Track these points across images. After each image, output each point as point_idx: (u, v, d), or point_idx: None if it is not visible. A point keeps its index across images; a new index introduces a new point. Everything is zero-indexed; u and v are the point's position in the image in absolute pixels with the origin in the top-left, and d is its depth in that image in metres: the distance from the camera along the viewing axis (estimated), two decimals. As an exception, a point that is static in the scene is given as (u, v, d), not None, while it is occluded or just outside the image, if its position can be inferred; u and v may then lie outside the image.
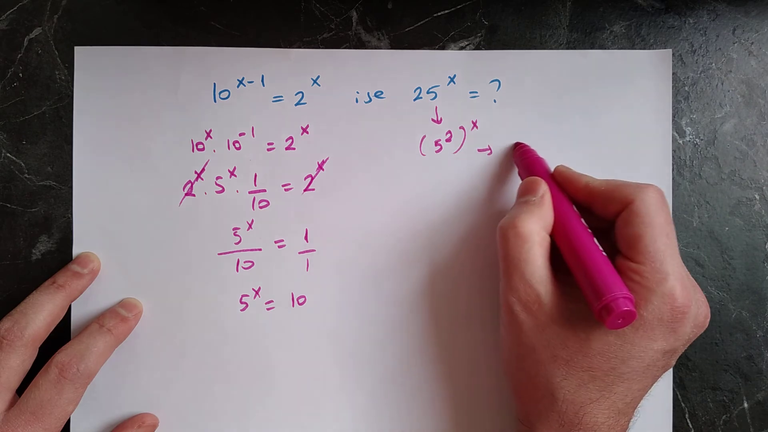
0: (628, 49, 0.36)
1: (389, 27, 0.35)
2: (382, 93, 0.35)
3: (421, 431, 0.35)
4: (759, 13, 0.36)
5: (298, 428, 0.35)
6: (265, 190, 0.35)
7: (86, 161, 0.35)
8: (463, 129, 0.35)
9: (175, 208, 0.35)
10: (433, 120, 0.35)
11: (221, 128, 0.35)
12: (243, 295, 0.35)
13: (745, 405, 0.36)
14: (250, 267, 0.35)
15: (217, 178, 0.35)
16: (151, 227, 0.35)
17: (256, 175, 0.35)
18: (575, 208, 0.31)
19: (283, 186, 0.35)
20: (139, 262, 0.35)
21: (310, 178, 0.35)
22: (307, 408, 0.35)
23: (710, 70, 0.36)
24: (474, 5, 0.36)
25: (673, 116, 0.36)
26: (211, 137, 0.35)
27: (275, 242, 0.35)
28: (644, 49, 0.36)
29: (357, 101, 0.35)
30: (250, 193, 0.35)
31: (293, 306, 0.35)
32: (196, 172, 0.35)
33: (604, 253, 0.29)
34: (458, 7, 0.36)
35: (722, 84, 0.36)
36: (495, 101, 0.35)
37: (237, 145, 0.35)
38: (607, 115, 0.35)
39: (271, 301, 0.35)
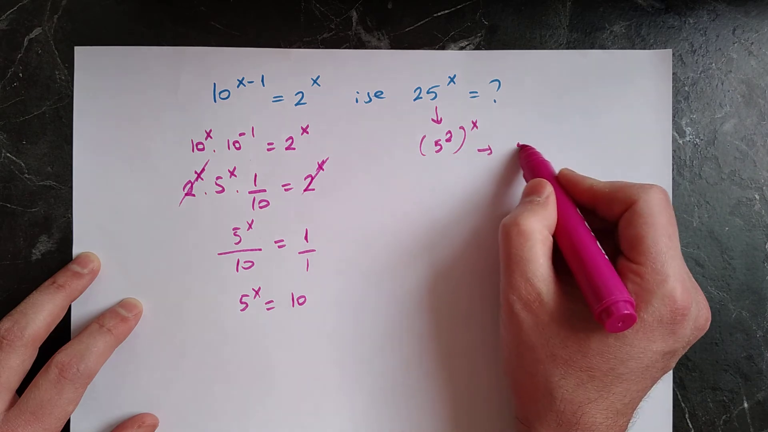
0: (628, 49, 0.36)
1: (389, 27, 0.35)
2: (382, 93, 0.35)
3: (421, 431, 0.35)
4: (759, 13, 0.36)
5: (297, 428, 0.35)
6: (265, 190, 0.35)
7: (86, 161, 0.35)
8: (463, 129, 0.35)
9: (175, 208, 0.35)
10: (433, 120, 0.35)
11: (221, 128, 0.35)
12: (243, 295, 0.35)
13: (745, 405, 0.36)
14: (250, 267, 0.35)
15: (217, 178, 0.35)
16: (151, 227, 0.35)
17: (256, 175, 0.35)
18: (579, 211, 0.31)
19: (283, 186, 0.35)
20: (139, 262, 0.35)
21: (310, 178, 0.35)
22: (307, 408, 0.35)
23: (710, 70, 0.36)
24: (474, 5, 0.36)
25: (673, 116, 0.36)
26: (211, 137, 0.35)
27: (275, 242, 0.35)
28: (644, 49, 0.36)
29: (357, 101, 0.35)
30: (250, 193, 0.35)
31: (293, 306, 0.35)
32: (196, 172, 0.35)
33: (605, 256, 0.29)
34: (458, 7, 0.36)
35: (722, 84, 0.36)
36: (495, 101, 0.35)
37: (237, 145, 0.35)
38: (607, 115, 0.35)
39: (271, 301, 0.35)
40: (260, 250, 0.35)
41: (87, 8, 0.35)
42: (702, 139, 0.36)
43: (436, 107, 0.35)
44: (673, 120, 0.36)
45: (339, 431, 0.35)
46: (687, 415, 0.36)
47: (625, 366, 0.28)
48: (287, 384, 0.35)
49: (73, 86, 0.35)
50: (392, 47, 0.35)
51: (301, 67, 0.35)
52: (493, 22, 0.36)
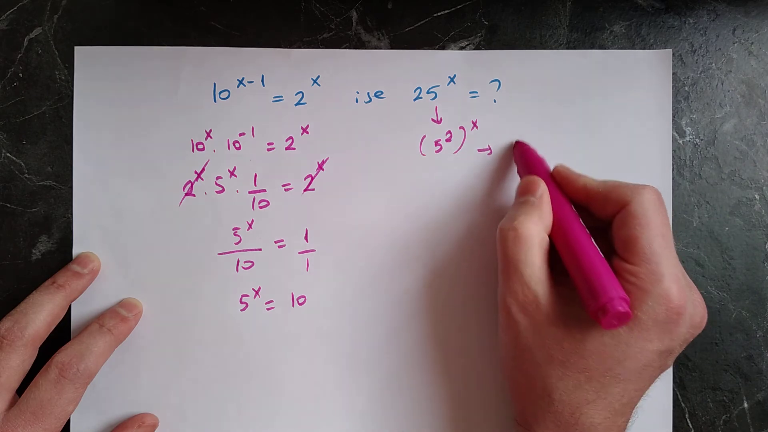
0: (628, 49, 0.36)
1: (389, 27, 0.35)
2: (382, 93, 0.35)
3: (420, 431, 0.35)
4: (759, 13, 0.36)
5: (297, 428, 0.35)
6: (265, 190, 0.35)
7: (86, 161, 0.35)
8: (463, 129, 0.35)
9: (175, 208, 0.35)
10: (433, 120, 0.35)
11: (221, 128, 0.35)
12: (243, 295, 0.35)
13: (745, 405, 0.36)
14: (250, 267, 0.35)
15: (217, 178, 0.35)
16: (151, 227, 0.35)
17: (256, 175, 0.35)
18: (573, 208, 0.31)
19: (283, 186, 0.35)
20: (139, 262, 0.35)
21: (310, 178, 0.35)
22: (307, 407, 0.35)
23: (710, 70, 0.36)
24: (474, 5, 0.36)
25: (673, 116, 0.36)
26: (211, 137, 0.35)
27: (275, 242, 0.35)
28: (644, 49, 0.36)
29: (357, 101, 0.35)
30: (250, 193, 0.35)
31: (293, 306, 0.35)
32: (196, 172, 0.35)
33: (601, 254, 0.29)
34: (458, 7, 0.36)
35: (722, 84, 0.36)
36: (495, 101, 0.35)
37: (237, 145, 0.35)
38: (607, 115, 0.35)
39: (271, 301, 0.35)
40: (260, 250, 0.35)
41: (87, 8, 0.35)
42: (702, 139, 0.36)
43: (436, 107, 0.35)
44: (673, 120, 0.36)
45: (339, 431, 0.35)
46: (687, 415, 0.36)
47: (622, 366, 0.28)
48: (287, 384, 0.35)
49: (73, 86, 0.35)
50: (392, 47, 0.35)
51: (301, 67, 0.35)
52: (493, 22, 0.36)
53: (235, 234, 0.35)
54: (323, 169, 0.35)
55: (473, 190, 0.35)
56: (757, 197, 0.36)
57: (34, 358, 0.32)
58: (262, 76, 0.35)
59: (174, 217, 0.35)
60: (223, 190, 0.35)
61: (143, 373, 0.35)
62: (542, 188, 0.31)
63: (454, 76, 0.35)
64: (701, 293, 0.30)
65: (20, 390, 0.32)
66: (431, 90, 0.35)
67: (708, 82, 0.36)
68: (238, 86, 0.35)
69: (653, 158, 0.35)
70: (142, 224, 0.35)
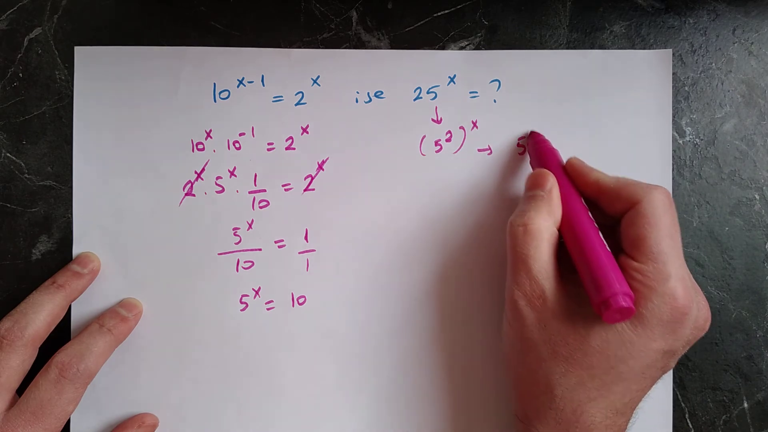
0: (628, 49, 0.36)
1: (389, 27, 0.35)
2: (382, 93, 0.35)
3: (421, 430, 0.35)
4: (759, 13, 0.36)
5: (297, 427, 0.35)
6: (265, 190, 0.35)
7: (86, 161, 0.35)
8: (463, 129, 0.35)
9: (175, 208, 0.35)
10: (433, 120, 0.35)
11: (221, 128, 0.35)
12: (243, 295, 0.35)
13: (745, 405, 0.36)
14: (250, 267, 0.35)
15: (217, 178, 0.35)
16: (151, 227, 0.35)
17: (256, 175, 0.35)
18: (584, 202, 0.31)
19: (283, 186, 0.35)
20: (139, 262, 0.35)
21: (310, 178, 0.35)
22: (307, 407, 0.35)
23: (710, 70, 0.36)
24: (474, 5, 0.36)
25: (673, 116, 0.36)
26: (211, 137, 0.35)
27: (275, 242, 0.35)
28: (644, 49, 0.36)
29: (357, 101, 0.35)
30: (250, 193, 0.35)
31: (293, 306, 0.35)
32: (196, 172, 0.35)
33: (608, 249, 0.29)
34: (458, 7, 0.36)
35: (722, 84, 0.36)
36: (495, 101, 0.35)
37: (237, 145, 0.35)
38: (607, 115, 0.35)
39: (271, 301, 0.35)
40: (260, 250, 0.35)
41: (87, 8, 0.35)
42: (702, 139, 0.36)
43: (436, 107, 0.35)
44: (673, 120, 0.36)
45: (339, 431, 0.35)
46: (687, 415, 0.36)
47: (626, 365, 0.28)
48: (287, 384, 0.35)
49: (73, 86, 0.35)
50: (392, 47, 0.35)
51: (301, 67, 0.35)
52: (493, 22, 0.36)
53: (235, 234, 0.35)
54: (323, 169, 0.35)
55: (473, 190, 0.35)
56: (757, 197, 0.36)
57: (34, 358, 0.32)
58: (262, 76, 0.35)
59: (174, 217, 0.35)
60: (223, 190, 0.35)
61: (143, 373, 0.35)
62: (551, 182, 0.31)
63: (454, 76, 0.35)
64: (701, 293, 0.30)
65: (20, 390, 0.32)
66: (431, 90, 0.35)
67: (708, 82, 0.36)
68: (238, 86, 0.35)
69: (653, 158, 0.35)
70: (142, 224, 0.35)
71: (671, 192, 0.35)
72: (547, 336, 0.29)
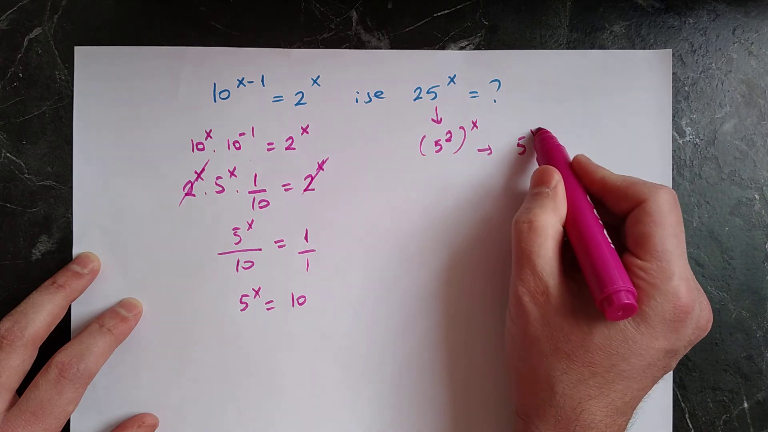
0: (628, 49, 0.36)
1: (389, 27, 0.35)
2: (382, 93, 0.35)
3: (420, 429, 0.35)
4: (759, 13, 0.36)
5: (297, 428, 0.35)
6: (265, 190, 0.35)
7: (86, 161, 0.35)
8: (463, 129, 0.35)
9: (175, 208, 0.35)
10: (433, 120, 0.35)
11: (221, 128, 0.35)
12: (243, 295, 0.35)
13: (745, 405, 0.36)
14: (250, 267, 0.35)
15: (217, 178, 0.35)
16: (151, 227, 0.35)
17: (256, 175, 0.35)
18: (589, 199, 0.31)
19: (283, 186, 0.35)
20: (139, 262, 0.35)
21: (310, 178, 0.35)
22: (307, 407, 0.35)
23: (710, 70, 0.36)
24: (474, 5, 0.36)
25: (673, 116, 0.36)
26: (211, 137, 0.35)
27: (275, 242, 0.35)
28: (644, 49, 0.36)
29: (357, 101, 0.35)
30: (250, 193, 0.35)
31: (293, 306, 0.35)
32: (196, 172, 0.35)
33: (612, 246, 0.29)
34: (458, 7, 0.36)
35: (722, 84, 0.36)
36: (495, 101, 0.35)
37: (237, 145, 0.35)
38: (607, 115, 0.35)
39: (271, 301, 0.35)
40: (260, 250, 0.35)
41: (87, 8, 0.35)
42: (702, 139, 0.36)
43: (436, 107, 0.35)
44: (673, 120, 0.36)
45: (339, 430, 0.35)
46: (687, 415, 0.36)
47: (627, 363, 0.28)
48: (287, 384, 0.35)
49: (73, 86, 0.35)
50: (392, 47, 0.35)
51: (301, 67, 0.35)
52: (493, 22, 0.36)
53: (235, 234, 0.35)
54: (323, 169, 0.35)
55: (473, 190, 0.35)
56: (757, 197, 0.36)
57: (34, 358, 0.32)
58: (262, 76, 0.35)
59: (174, 217, 0.35)
60: (223, 190, 0.35)
61: (143, 373, 0.35)
62: (557, 179, 0.31)
63: (454, 76, 0.35)
64: (701, 293, 0.30)
65: (20, 390, 0.32)
66: (431, 90, 0.35)
67: (708, 82, 0.36)
68: (238, 86, 0.35)
69: (653, 158, 0.35)
70: (142, 224, 0.35)
71: (671, 192, 0.36)
72: (549, 332, 0.29)
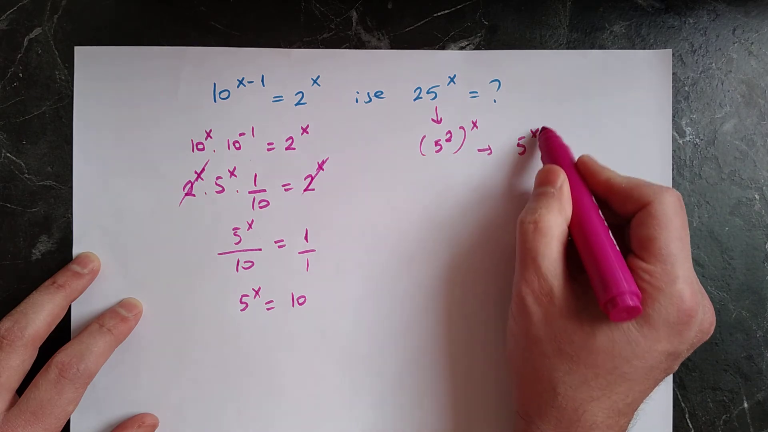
0: (628, 49, 0.36)
1: (389, 27, 0.35)
2: (382, 93, 0.35)
3: (421, 430, 0.35)
4: (759, 13, 0.36)
5: (297, 428, 0.35)
6: (265, 190, 0.35)
7: (86, 161, 0.35)
8: (463, 129, 0.35)
9: (175, 208, 0.35)
10: (433, 120, 0.35)
11: (221, 128, 0.35)
12: (243, 295, 0.35)
13: (745, 405, 0.36)
14: (250, 267, 0.35)
15: (217, 178, 0.35)
16: (151, 227, 0.35)
17: (256, 175, 0.35)
18: (594, 200, 0.31)
19: (283, 186, 0.35)
20: (139, 262, 0.35)
21: (310, 178, 0.35)
22: (307, 407, 0.35)
23: (710, 70, 0.36)
24: (474, 5, 0.36)
25: (673, 116, 0.36)
26: (211, 137, 0.35)
27: (275, 242, 0.35)
28: (644, 49, 0.36)
29: (357, 101, 0.35)
30: (250, 193, 0.35)
31: (293, 306, 0.35)
32: (196, 172, 0.35)
33: (617, 247, 0.29)
34: (458, 7, 0.36)
35: (722, 84, 0.36)
36: (495, 101, 0.35)
37: (237, 145, 0.35)
38: (607, 115, 0.35)
39: (271, 301, 0.35)
40: (260, 250, 0.35)
41: (87, 8, 0.35)
42: (702, 139, 0.36)
43: (436, 107, 0.35)
44: (673, 120, 0.36)
45: (339, 430, 0.35)
46: (687, 415, 0.36)
47: (630, 365, 0.28)
48: (287, 384, 0.35)
49: (73, 86, 0.35)
50: (392, 47, 0.35)
51: (301, 67, 0.35)
52: (493, 22, 0.36)
53: (235, 234, 0.35)
54: (323, 169, 0.35)
55: (473, 190, 0.35)
56: (757, 197, 0.36)
57: (34, 358, 0.32)
58: (262, 76, 0.35)
59: (174, 217, 0.35)
60: (223, 190, 0.35)
61: (143, 373, 0.35)
62: (562, 178, 0.31)
63: (454, 76, 0.35)
64: (701, 293, 0.30)
65: (20, 390, 0.32)
66: (431, 90, 0.35)
67: (708, 82, 0.36)
68: (238, 86, 0.35)
69: (653, 158, 0.35)
70: (142, 224, 0.35)
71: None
72: (552, 333, 0.29)
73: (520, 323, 0.30)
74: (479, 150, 0.35)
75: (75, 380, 0.31)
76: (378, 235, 0.35)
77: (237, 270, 0.35)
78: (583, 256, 0.29)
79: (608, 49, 0.36)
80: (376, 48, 0.35)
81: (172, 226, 0.35)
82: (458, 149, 0.35)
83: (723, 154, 0.36)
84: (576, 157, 0.33)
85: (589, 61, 0.35)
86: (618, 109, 0.35)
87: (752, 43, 0.36)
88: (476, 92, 0.35)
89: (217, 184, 0.35)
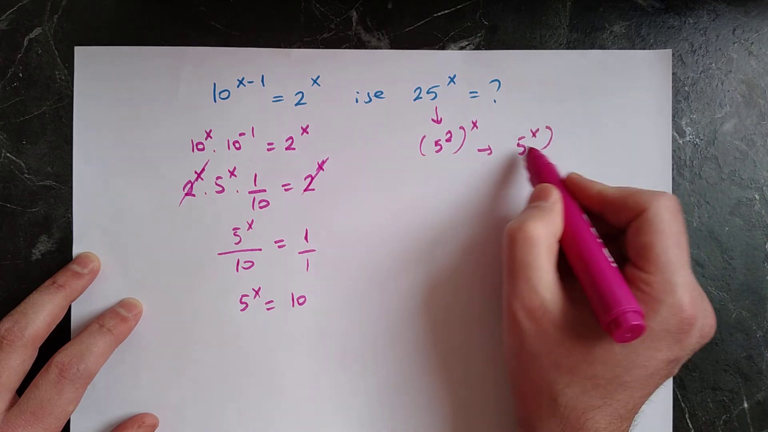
0: (628, 49, 0.36)
1: (389, 27, 0.35)
2: (382, 93, 0.35)
3: (421, 431, 0.35)
4: (759, 13, 0.36)
5: (297, 428, 0.35)
6: (265, 190, 0.35)
7: (86, 161, 0.35)
8: (463, 129, 0.35)
9: (175, 208, 0.35)
10: (433, 120, 0.35)
11: (221, 128, 0.35)
12: (243, 295, 0.35)
13: (745, 405, 0.36)
14: (250, 267, 0.35)
15: (217, 178, 0.35)
16: (151, 227, 0.35)
17: (256, 175, 0.35)
18: (585, 217, 0.31)
19: (283, 186, 0.35)
20: (139, 262, 0.35)
21: (310, 178, 0.35)
22: (307, 407, 0.35)
23: (710, 70, 0.36)
24: (474, 5, 0.36)
25: (673, 116, 0.36)
26: (211, 137, 0.35)
27: (275, 242, 0.35)
28: (644, 49, 0.36)
29: (357, 101, 0.35)
30: (250, 193, 0.35)
31: (293, 306, 0.35)
32: (196, 172, 0.35)
33: (614, 264, 0.28)
34: (458, 7, 0.36)
35: (722, 84, 0.36)
36: (495, 101, 0.35)
37: (237, 145, 0.35)
38: (607, 115, 0.35)
39: (271, 301, 0.35)
40: (260, 250, 0.35)
41: (87, 8, 0.35)
42: (702, 139, 0.36)
43: (436, 107, 0.35)
44: (673, 120, 0.36)
45: (339, 430, 0.35)
46: (687, 415, 0.36)
47: (630, 374, 0.27)
48: (287, 384, 0.35)
49: (73, 86, 0.35)
50: (392, 47, 0.35)
51: (301, 67, 0.35)
52: (493, 22, 0.36)
53: (235, 234, 0.35)
54: (323, 169, 0.35)
55: (473, 190, 0.35)
56: (757, 197, 0.36)
57: (34, 358, 0.32)
58: (262, 76, 0.35)
59: (174, 217, 0.35)
60: (223, 190, 0.35)
61: (143, 373, 0.35)
62: (555, 195, 0.30)
63: (454, 76, 0.35)
64: (701, 294, 0.30)
65: (20, 390, 0.32)
66: (431, 90, 0.35)
67: (708, 82, 0.36)
68: (238, 86, 0.35)
69: (653, 158, 0.35)
70: (142, 224, 0.35)
71: (671, 192, 0.35)
72: (548, 348, 0.28)
73: (513, 338, 0.29)
74: (479, 150, 0.35)
75: (75, 380, 0.31)
76: (378, 235, 0.35)
77: (237, 270, 0.35)
78: (580, 275, 0.29)
79: (608, 49, 0.36)
80: (376, 48, 0.35)
81: (172, 226, 0.35)
82: (458, 149, 0.35)
83: (723, 154, 0.36)
84: (563, 166, 0.33)
85: (589, 61, 0.35)
86: (618, 109, 0.35)
87: (752, 43, 0.36)
88: (476, 92, 0.35)
89: (217, 184, 0.35)
